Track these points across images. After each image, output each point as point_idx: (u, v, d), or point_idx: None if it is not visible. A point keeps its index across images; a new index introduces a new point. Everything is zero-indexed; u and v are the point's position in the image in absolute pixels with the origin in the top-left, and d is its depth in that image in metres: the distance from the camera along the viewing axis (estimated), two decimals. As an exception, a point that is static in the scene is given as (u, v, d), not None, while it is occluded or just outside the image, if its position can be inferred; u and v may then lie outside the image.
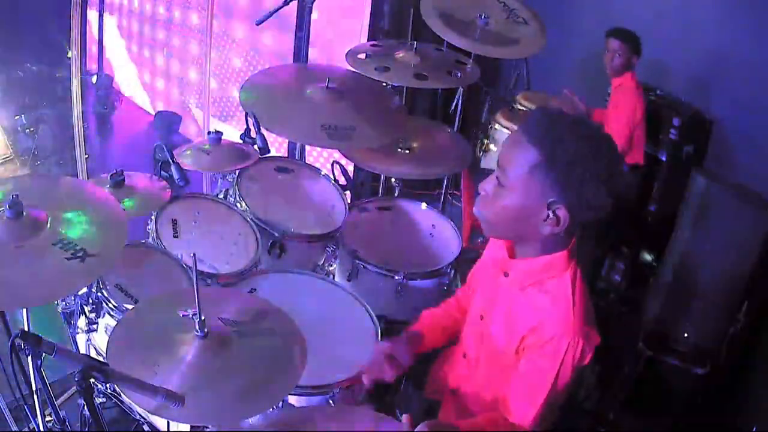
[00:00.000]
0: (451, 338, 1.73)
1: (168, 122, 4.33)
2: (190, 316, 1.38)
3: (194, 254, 1.36)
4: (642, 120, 3.20)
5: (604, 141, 1.32)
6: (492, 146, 3.32)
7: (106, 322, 1.77)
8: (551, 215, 1.31)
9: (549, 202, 1.30)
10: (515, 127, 3.23)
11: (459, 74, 2.56)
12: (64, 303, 1.85)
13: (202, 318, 1.37)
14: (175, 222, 2.05)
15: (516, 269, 1.44)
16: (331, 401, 1.69)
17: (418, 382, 1.82)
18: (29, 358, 1.30)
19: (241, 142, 2.28)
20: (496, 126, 3.30)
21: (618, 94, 3.27)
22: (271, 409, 1.54)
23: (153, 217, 2.02)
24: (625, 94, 3.22)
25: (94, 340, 1.82)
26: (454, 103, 3.12)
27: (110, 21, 4.67)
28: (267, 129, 2.25)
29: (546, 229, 1.33)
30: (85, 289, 1.74)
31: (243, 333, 1.46)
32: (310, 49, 2.67)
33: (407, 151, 2.56)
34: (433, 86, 2.72)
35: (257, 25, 2.52)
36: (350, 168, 2.84)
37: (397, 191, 2.67)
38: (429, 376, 1.79)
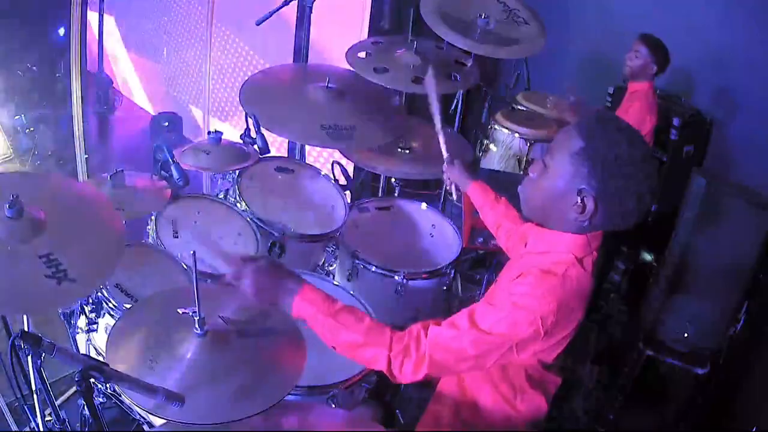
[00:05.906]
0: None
1: (168, 122, 4.32)
2: (190, 314, 1.38)
3: (194, 252, 1.36)
4: (648, 134, 3.14)
5: (649, 160, 1.37)
6: (492, 146, 3.32)
7: (106, 321, 1.77)
8: (579, 202, 1.36)
9: (579, 189, 1.36)
10: (515, 127, 3.26)
11: (458, 77, 2.56)
12: (64, 303, 1.85)
13: (202, 316, 1.37)
14: (175, 222, 2.05)
15: (532, 236, 1.50)
16: (331, 401, 1.68)
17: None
18: (29, 358, 1.30)
19: (241, 142, 2.28)
20: (496, 126, 3.30)
21: (632, 101, 3.17)
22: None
23: (153, 217, 2.02)
24: (640, 103, 3.10)
25: (94, 340, 1.82)
26: (454, 104, 3.12)
27: (110, 21, 4.67)
28: (267, 129, 2.25)
29: (571, 215, 1.39)
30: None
31: (242, 332, 1.46)
32: (310, 49, 2.67)
33: (407, 151, 2.56)
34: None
35: (257, 25, 2.52)
36: (350, 168, 2.84)
37: (397, 191, 2.67)
38: None
